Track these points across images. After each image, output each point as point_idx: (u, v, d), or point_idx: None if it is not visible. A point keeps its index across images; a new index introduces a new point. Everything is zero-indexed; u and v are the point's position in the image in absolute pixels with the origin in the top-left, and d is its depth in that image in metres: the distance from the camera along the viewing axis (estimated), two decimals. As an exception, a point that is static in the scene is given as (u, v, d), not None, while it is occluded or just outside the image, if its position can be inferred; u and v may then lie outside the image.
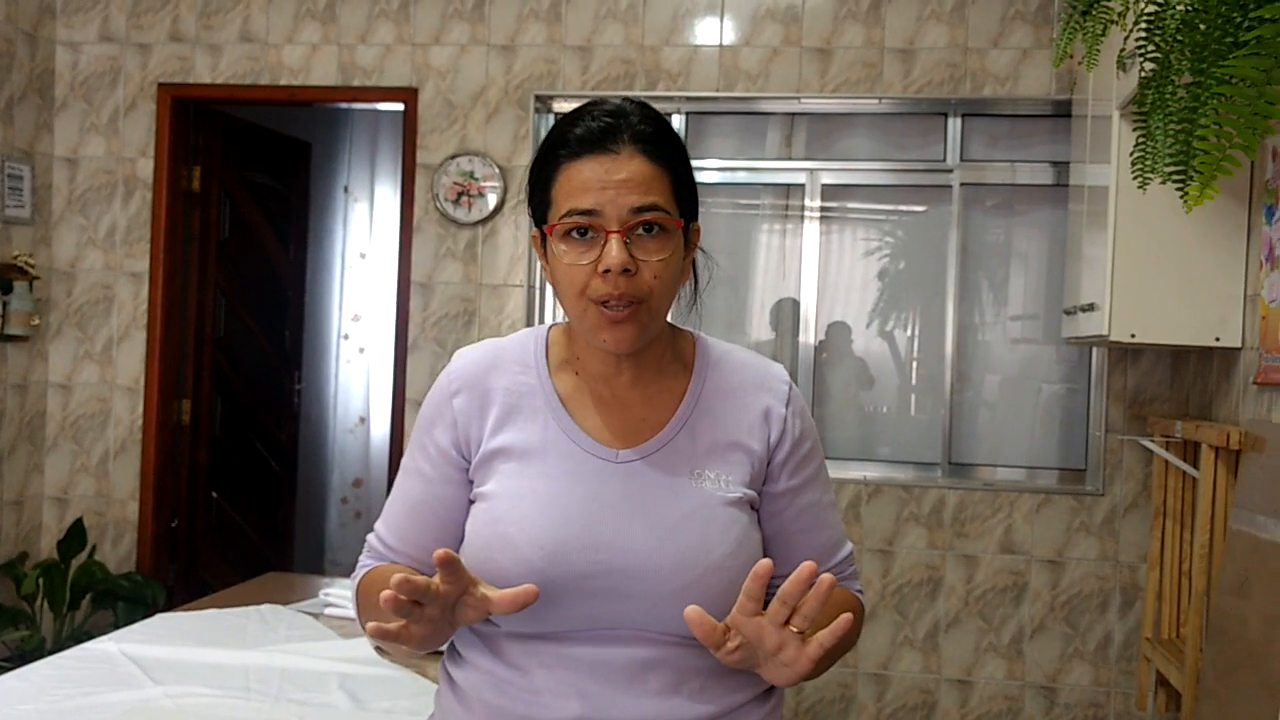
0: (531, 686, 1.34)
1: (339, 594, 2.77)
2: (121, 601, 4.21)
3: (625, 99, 1.39)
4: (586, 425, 1.39)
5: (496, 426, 1.40)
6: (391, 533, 1.45)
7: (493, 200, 4.32)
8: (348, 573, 3.50)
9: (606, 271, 1.30)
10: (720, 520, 1.35)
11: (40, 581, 4.15)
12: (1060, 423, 4.25)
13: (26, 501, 4.48)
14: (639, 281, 1.31)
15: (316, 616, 2.70)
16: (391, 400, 4.56)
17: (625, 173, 1.31)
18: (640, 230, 1.31)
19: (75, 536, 4.30)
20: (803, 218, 4.34)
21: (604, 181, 1.31)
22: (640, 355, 1.40)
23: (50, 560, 4.26)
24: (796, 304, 4.33)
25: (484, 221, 4.36)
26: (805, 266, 4.33)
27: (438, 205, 4.36)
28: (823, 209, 4.33)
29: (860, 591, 1.51)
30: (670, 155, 1.36)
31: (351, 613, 2.70)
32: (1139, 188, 2.03)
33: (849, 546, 1.50)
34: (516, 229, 4.35)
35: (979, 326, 4.31)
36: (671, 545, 1.33)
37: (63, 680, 2.16)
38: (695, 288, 1.47)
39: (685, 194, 1.38)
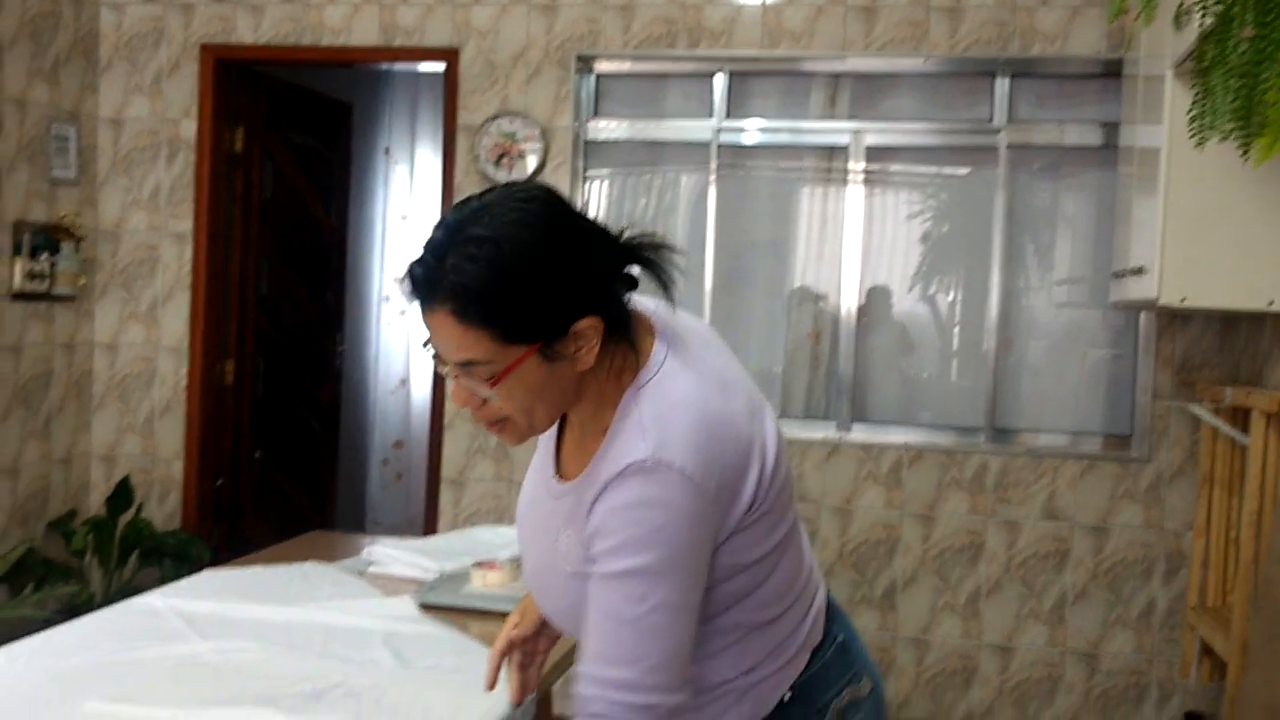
0: None
1: (382, 552, 2.79)
2: (168, 558, 4.27)
3: (455, 220, 1.31)
4: (562, 450, 1.51)
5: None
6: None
7: (533, 162, 4.31)
8: (389, 533, 3.53)
9: None
10: (559, 585, 1.44)
11: (89, 538, 4.22)
12: (1106, 388, 4.20)
13: (75, 459, 4.54)
14: (491, 409, 1.35)
15: (360, 575, 2.72)
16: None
17: (440, 335, 1.32)
18: (471, 372, 1.32)
19: (122, 494, 4.36)
20: (846, 180, 4.29)
21: (428, 332, 1.34)
22: (580, 414, 1.44)
23: (98, 517, 4.32)
24: (819, 286, 4.30)
25: (525, 183, 4.34)
26: (847, 230, 4.28)
27: (478, 166, 4.34)
28: (866, 171, 4.28)
29: None
30: (485, 305, 1.28)
31: (395, 571, 2.73)
32: (1196, 146, 1.98)
33: (604, 681, 1.32)
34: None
35: (1023, 290, 4.25)
36: (536, 582, 1.53)
37: (112, 634, 2.19)
38: (667, 289, 1.38)
39: (527, 322, 1.29)
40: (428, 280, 1.30)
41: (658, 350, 1.39)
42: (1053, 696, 4.06)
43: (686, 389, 1.36)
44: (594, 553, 1.33)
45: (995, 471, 4.09)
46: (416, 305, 1.33)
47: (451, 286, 1.28)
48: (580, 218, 1.35)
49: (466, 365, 1.31)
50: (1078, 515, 4.04)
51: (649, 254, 1.37)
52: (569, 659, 2.27)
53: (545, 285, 1.29)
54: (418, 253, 1.32)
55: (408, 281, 1.32)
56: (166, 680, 1.95)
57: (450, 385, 1.33)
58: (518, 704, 1.71)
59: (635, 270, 1.39)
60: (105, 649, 2.10)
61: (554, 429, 1.52)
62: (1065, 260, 4.29)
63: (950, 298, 4.39)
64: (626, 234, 1.38)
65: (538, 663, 1.70)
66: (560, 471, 1.49)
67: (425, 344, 1.37)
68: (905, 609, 4.13)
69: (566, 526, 1.41)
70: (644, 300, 1.44)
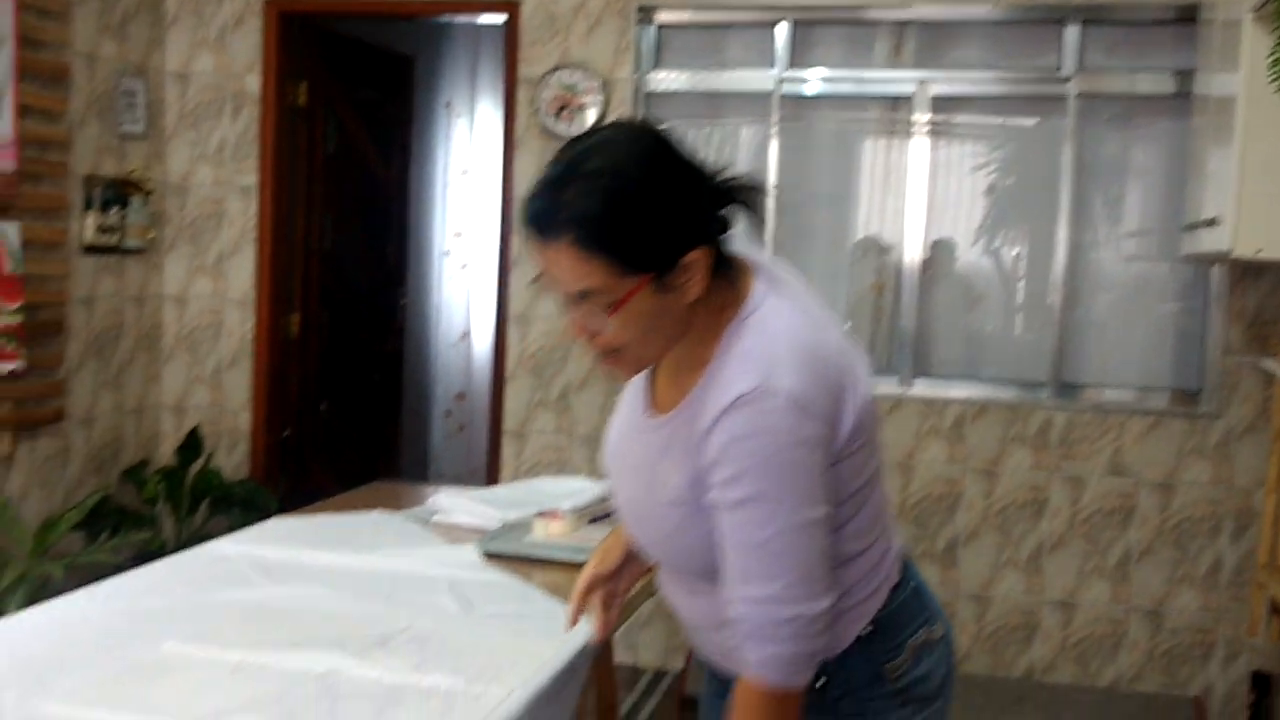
0: None
1: (446, 502, 2.83)
2: (236, 507, 4.36)
3: (571, 156, 1.38)
4: (655, 384, 1.56)
5: None
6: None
7: (593, 114, 4.29)
8: (451, 484, 3.57)
9: None
10: (659, 511, 1.50)
11: (160, 487, 4.31)
12: (1175, 343, 4.12)
13: (146, 410, 4.64)
14: (605, 340, 1.42)
15: (424, 524, 2.76)
16: (495, 318, 4.61)
17: (557, 265, 1.38)
18: (588, 303, 1.38)
19: (192, 444, 4.45)
20: (910, 131, 4.23)
21: (545, 265, 1.40)
22: (676, 350, 1.47)
23: (169, 467, 4.42)
24: (883, 236, 4.25)
25: (585, 136, 4.33)
26: (911, 182, 4.23)
27: (538, 120, 4.34)
28: (931, 122, 4.22)
29: (761, 666, 1.40)
30: (606, 234, 1.34)
31: (459, 520, 2.77)
32: (1276, 92, 1.93)
33: (748, 599, 1.39)
34: (618, 143, 4.32)
35: (1091, 244, 4.17)
36: (632, 511, 1.58)
37: (185, 578, 2.25)
38: (759, 230, 1.47)
39: (643, 251, 1.36)
40: (548, 213, 1.36)
41: (757, 287, 1.45)
42: (1115, 653, 4.04)
43: (788, 321, 1.42)
44: (712, 482, 1.39)
45: (1060, 427, 4.04)
46: (534, 241, 1.38)
47: (572, 216, 1.34)
48: (686, 155, 1.41)
49: (584, 295, 1.38)
50: (1144, 471, 3.98)
51: (744, 195, 1.43)
52: (631, 607, 2.29)
53: (660, 215, 1.36)
54: (534, 189, 1.39)
55: (527, 216, 1.38)
56: (238, 623, 2.00)
57: (568, 319, 1.42)
58: (600, 640, 1.80)
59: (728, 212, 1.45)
60: (179, 593, 2.16)
61: (638, 385, 1.58)
62: (1134, 212, 4.21)
63: (1015, 251, 4.33)
64: (722, 175, 1.44)
65: (617, 602, 1.81)
66: (654, 406, 1.54)
67: (535, 280, 1.44)
68: (966, 565, 4.11)
69: (663, 458, 1.47)
70: (740, 241, 1.48)
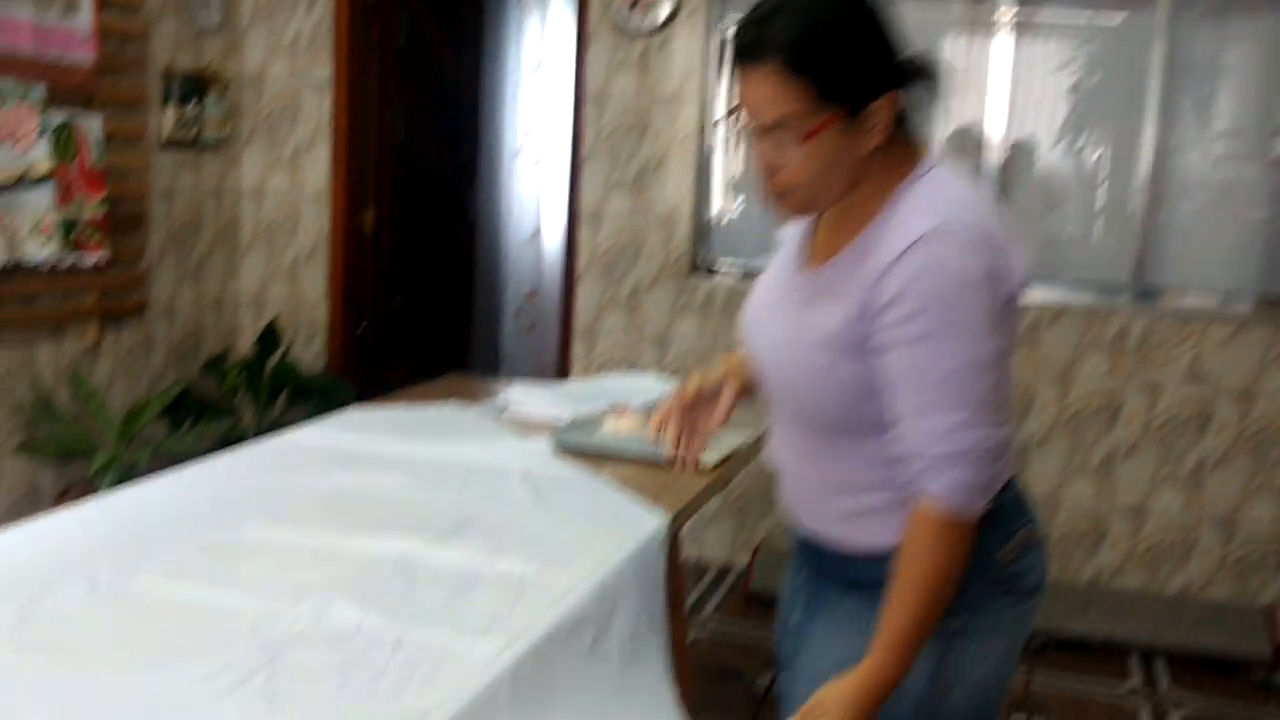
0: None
1: (518, 396, 2.87)
2: (314, 399, 4.45)
3: None
4: (814, 240, 1.60)
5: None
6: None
7: (666, 8, 4.22)
8: (524, 381, 3.61)
9: None
10: (805, 353, 1.53)
11: (240, 378, 4.42)
12: (1261, 249, 4.01)
13: (225, 303, 4.74)
14: (784, 177, 1.48)
15: (497, 417, 2.80)
16: (566, 216, 4.60)
17: (756, 91, 1.44)
18: (779, 133, 1.44)
19: (270, 337, 4.53)
20: (993, 27, 4.11)
21: (744, 94, 1.47)
22: (845, 200, 1.52)
23: (248, 359, 4.51)
24: (977, 129, 4.14)
25: (657, 31, 4.27)
26: (993, 80, 4.11)
27: (611, 14, 4.28)
28: (1015, 18, 4.08)
29: (944, 493, 1.42)
30: (814, 59, 1.41)
31: (531, 414, 2.81)
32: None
33: (930, 431, 1.42)
34: (690, 39, 4.26)
35: (1178, 145, 4.05)
36: (777, 353, 1.59)
37: (266, 465, 2.32)
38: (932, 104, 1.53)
39: (843, 80, 1.42)
40: (758, 36, 1.43)
41: (932, 154, 1.53)
42: (1186, 561, 4.01)
43: (961, 187, 1.50)
44: (887, 321, 1.43)
45: (1137, 332, 3.97)
46: (739, 68, 1.46)
47: (781, 41, 1.41)
48: (883, 9, 1.48)
49: (777, 124, 1.44)
50: (1224, 379, 3.91)
51: (926, 69, 1.51)
52: (698, 501, 2.32)
53: (861, 49, 1.44)
54: (743, 21, 1.46)
55: (735, 45, 1.46)
56: (316, 508, 2.06)
57: (752, 152, 1.50)
58: (672, 467, 1.84)
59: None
60: (260, 478, 2.22)
61: (806, 225, 1.63)
62: (1225, 114, 4.06)
63: (1098, 153, 4.21)
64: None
65: (696, 439, 1.81)
66: (811, 259, 1.59)
67: (731, 112, 1.51)
68: (1036, 469, 4.09)
69: (819, 304, 1.52)
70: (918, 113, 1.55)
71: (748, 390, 1.77)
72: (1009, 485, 1.56)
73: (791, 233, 1.67)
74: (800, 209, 1.54)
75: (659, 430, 1.81)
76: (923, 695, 1.52)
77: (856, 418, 1.51)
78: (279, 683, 1.37)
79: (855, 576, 1.59)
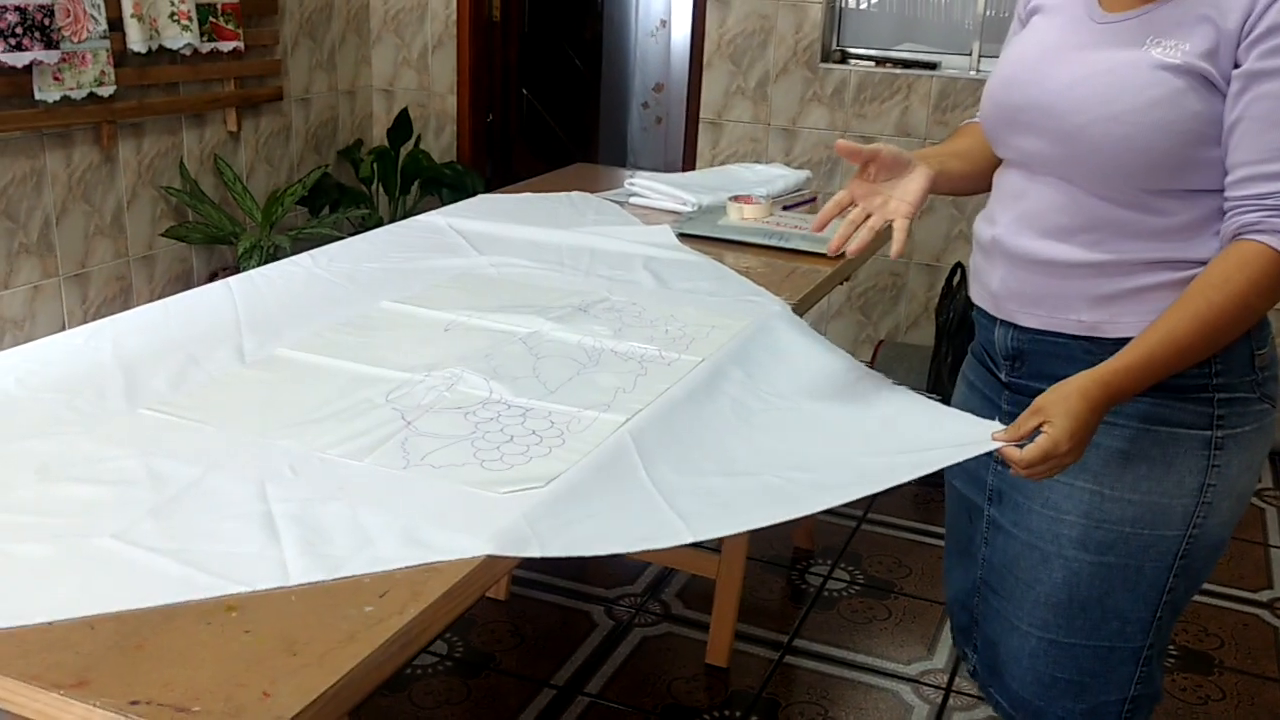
0: (984, 212, 1.63)
1: (643, 184, 2.88)
2: (445, 188, 4.53)
3: None
4: None
5: None
6: None
7: None
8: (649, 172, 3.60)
9: None
10: (1140, 80, 1.38)
11: (375, 166, 4.50)
12: None
13: (358, 92, 4.79)
14: None
15: (622, 205, 2.83)
16: (692, 3, 4.48)
17: None
18: None
19: (402, 126, 4.59)
20: None
21: None
22: None
23: (382, 147, 4.59)
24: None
25: None
26: None
27: None
28: None
29: None
30: None
31: (655, 202, 2.82)
32: None
33: (1266, 179, 1.33)
34: None
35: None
36: (1081, 89, 1.43)
37: (399, 245, 2.39)
38: None
39: None
40: None
41: None
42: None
43: None
44: (1267, 49, 1.31)
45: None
46: None
47: None
48: None
49: None
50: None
51: None
52: (820, 291, 2.32)
53: None
54: None
55: None
56: (448, 287, 2.13)
57: None
58: (832, 253, 1.60)
59: None
60: (394, 258, 2.30)
61: None
62: None
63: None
64: None
65: (870, 225, 1.55)
66: (1117, 5, 1.45)
67: None
68: None
69: (1160, 40, 1.38)
70: None
71: (939, 184, 1.58)
72: None
73: None
74: None
75: (835, 212, 1.57)
76: (1192, 508, 1.49)
77: (1175, 165, 1.38)
78: (413, 445, 1.45)
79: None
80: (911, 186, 1.55)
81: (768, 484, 1.43)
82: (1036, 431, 1.37)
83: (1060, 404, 1.35)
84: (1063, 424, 1.34)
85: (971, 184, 1.70)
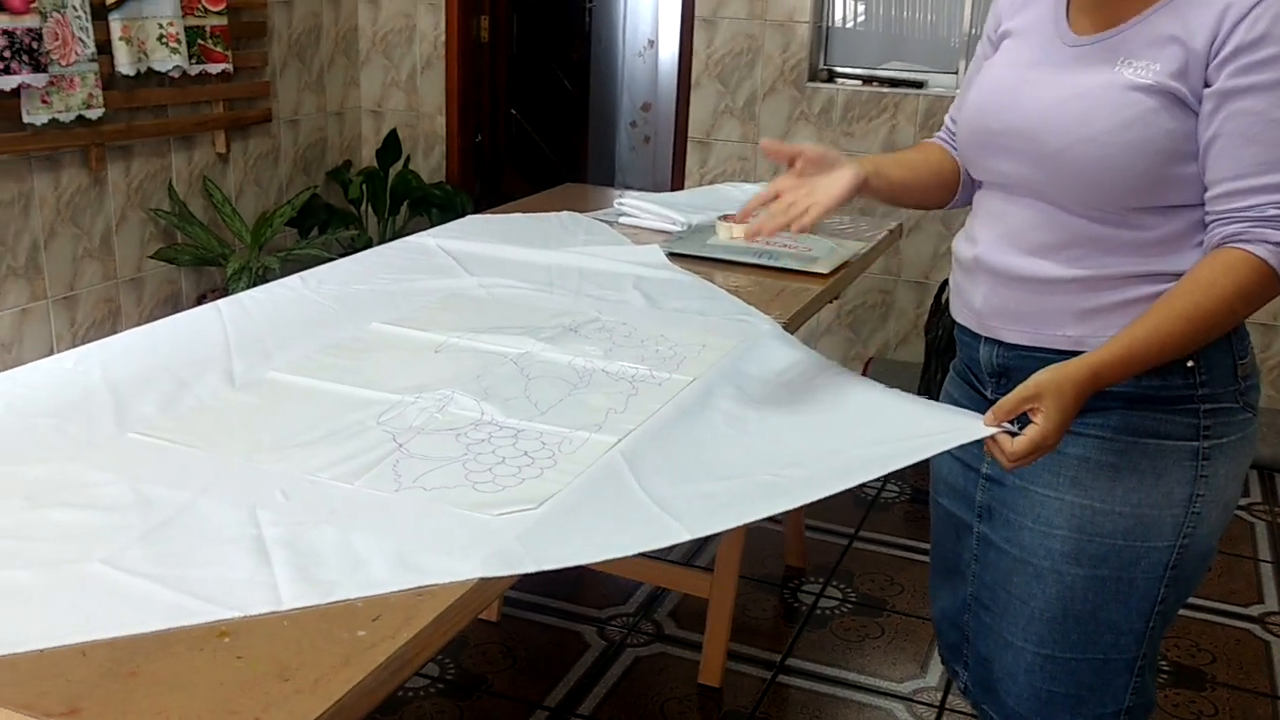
0: (964, 231, 1.65)
1: (632, 204, 2.88)
2: (434, 209, 4.54)
3: None
4: (1074, 11, 1.51)
5: (1013, 11, 1.60)
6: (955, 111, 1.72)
7: None
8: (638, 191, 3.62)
9: None
10: (1114, 101, 1.41)
11: (364, 187, 4.51)
12: None
13: (347, 113, 4.80)
14: None
15: (611, 224, 2.83)
16: (680, 23, 4.50)
17: None
18: None
19: (391, 147, 4.60)
20: None
21: None
22: None
23: (371, 168, 4.60)
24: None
25: None
26: None
27: None
28: None
29: (1276, 249, 1.34)
30: None
31: (644, 222, 2.82)
32: None
33: (1256, 190, 1.35)
34: None
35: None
36: (1057, 112, 1.45)
37: (389, 266, 2.39)
38: None
39: None
40: None
41: None
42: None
43: None
44: (1241, 65, 1.33)
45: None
46: None
47: None
48: None
49: None
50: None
51: None
52: (810, 309, 2.33)
53: None
54: None
55: None
56: (438, 308, 2.13)
57: None
58: (748, 238, 1.60)
59: None
60: (384, 279, 2.30)
61: (1040, 18, 1.55)
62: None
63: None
64: None
65: (789, 218, 1.53)
66: (1089, 27, 1.47)
67: None
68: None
69: (1133, 59, 1.41)
70: None
71: (873, 185, 1.60)
72: None
73: (1021, 17, 1.57)
74: None
75: (757, 206, 1.57)
76: (1181, 518, 1.50)
77: (1153, 182, 1.41)
78: (405, 468, 1.45)
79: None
80: (838, 182, 1.56)
81: (761, 482, 1.43)
82: (1024, 416, 1.38)
83: (1054, 392, 1.36)
84: (1054, 416, 1.35)
85: (913, 196, 1.73)
